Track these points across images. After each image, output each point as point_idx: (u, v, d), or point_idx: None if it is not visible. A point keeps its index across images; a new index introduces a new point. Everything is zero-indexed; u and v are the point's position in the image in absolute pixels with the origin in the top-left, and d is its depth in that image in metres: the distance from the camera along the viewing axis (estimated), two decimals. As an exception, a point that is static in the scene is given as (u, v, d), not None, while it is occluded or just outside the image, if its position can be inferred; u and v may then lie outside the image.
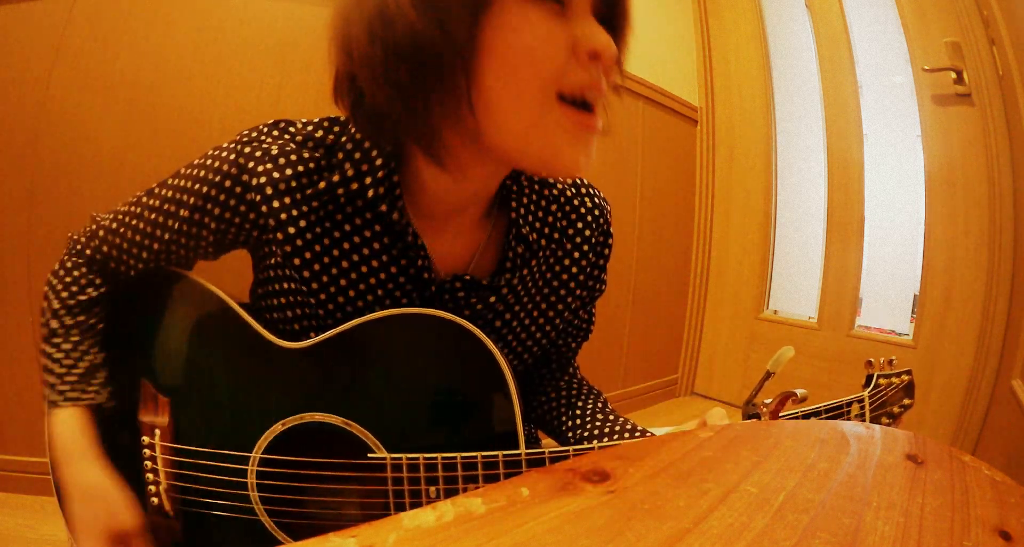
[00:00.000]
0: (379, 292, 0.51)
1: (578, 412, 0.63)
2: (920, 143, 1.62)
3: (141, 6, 1.12)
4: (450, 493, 0.45)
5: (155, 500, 0.51)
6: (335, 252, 0.50)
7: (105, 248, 0.55)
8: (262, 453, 0.50)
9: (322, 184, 0.48)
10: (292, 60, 1.21)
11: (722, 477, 0.34)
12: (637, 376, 2.05)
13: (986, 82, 1.43)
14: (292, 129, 0.50)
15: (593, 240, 0.60)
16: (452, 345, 0.48)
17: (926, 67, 1.54)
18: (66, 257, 0.57)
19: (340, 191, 0.48)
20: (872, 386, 0.59)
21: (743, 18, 2.12)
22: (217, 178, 0.49)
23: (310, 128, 0.50)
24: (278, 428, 0.49)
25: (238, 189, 0.49)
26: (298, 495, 0.49)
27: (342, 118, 0.51)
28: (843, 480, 0.35)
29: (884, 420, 0.59)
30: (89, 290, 0.56)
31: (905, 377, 0.62)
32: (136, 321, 0.57)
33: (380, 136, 0.47)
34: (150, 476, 0.52)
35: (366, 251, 0.50)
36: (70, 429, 0.51)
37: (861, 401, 0.57)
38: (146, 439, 0.52)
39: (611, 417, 0.61)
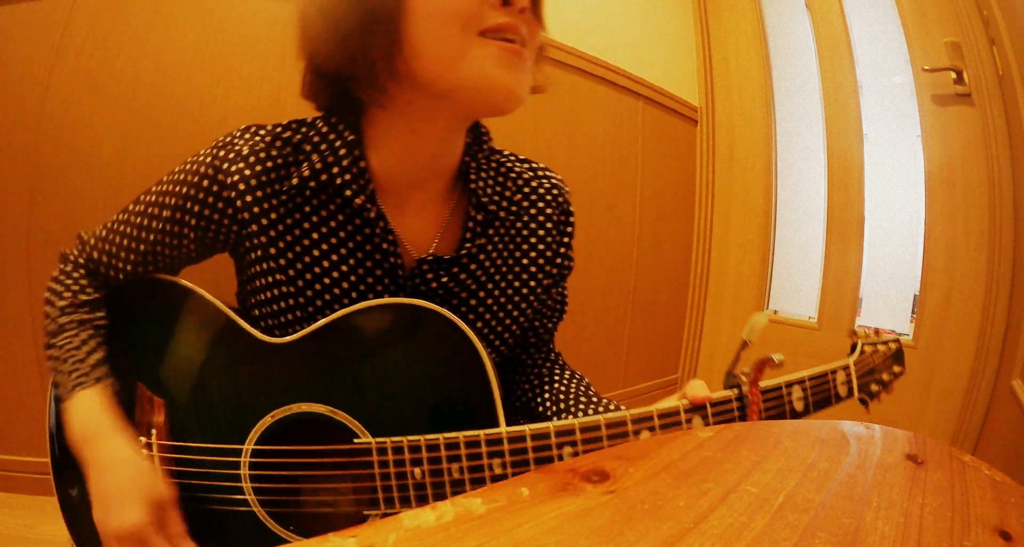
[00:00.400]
0: (352, 278, 0.54)
1: (560, 396, 0.64)
2: (920, 143, 1.62)
3: (141, 6, 1.12)
4: (434, 473, 0.47)
5: None
6: (306, 242, 0.54)
7: (96, 255, 0.59)
8: (254, 445, 0.51)
9: (294, 180, 0.52)
10: (292, 60, 1.21)
11: (722, 477, 0.34)
12: (637, 376, 2.05)
13: (986, 82, 1.43)
14: (262, 131, 0.55)
15: (555, 218, 0.64)
16: (427, 331, 0.50)
17: (926, 67, 1.54)
18: (61, 265, 0.61)
19: (311, 184, 0.52)
20: (857, 353, 0.59)
21: (743, 18, 2.12)
22: (195, 179, 0.54)
23: (278, 129, 0.55)
24: (268, 420, 0.51)
25: (215, 188, 0.53)
26: (288, 483, 0.50)
27: (308, 120, 0.56)
28: (843, 480, 0.35)
29: (874, 387, 0.59)
30: (89, 290, 0.58)
31: (892, 345, 0.62)
32: (129, 326, 0.59)
33: (338, 105, 0.53)
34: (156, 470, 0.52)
35: (335, 240, 0.54)
36: (93, 408, 0.52)
37: (847, 368, 0.57)
38: (143, 439, 0.53)
39: (595, 399, 0.62)
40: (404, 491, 0.47)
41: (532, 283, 0.63)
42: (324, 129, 0.53)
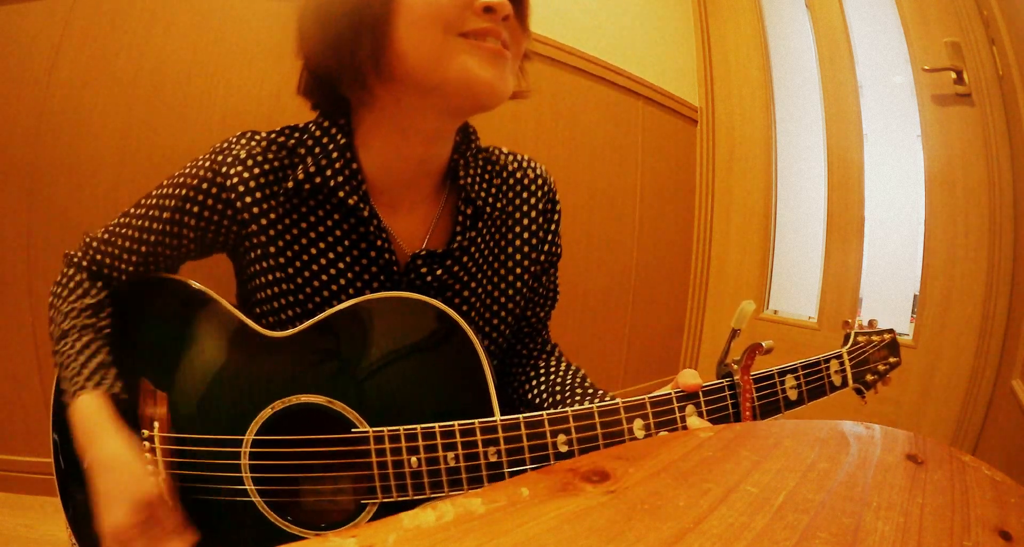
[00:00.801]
0: (348, 275, 0.57)
1: (557, 388, 0.65)
2: (920, 143, 1.62)
3: (141, 6, 1.12)
4: (431, 462, 0.47)
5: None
6: (303, 241, 0.56)
7: (99, 257, 0.61)
8: (254, 436, 0.52)
9: (289, 183, 0.55)
10: (292, 60, 1.21)
11: (722, 477, 0.34)
12: (637, 376, 2.05)
13: (986, 82, 1.43)
14: (258, 137, 0.57)
15: (540, 207, 0.66)
16: (421, 322, 0.52)
17: (926, 67, 1.54)
18: (65, 269, 0.62)
19: (307, 186, 0.54)
20: (851, 343, 0.60)
21: (743, 18, 2.12)
22: (195, 182, 0.56)
23: (273, 135, 0.58)
24: (268, 412, 0.52)
25: (214, 189, 0.56)
26: (289, 473, 0.51)
27: (301, 125, 0.59)
28: (843, 480, 0.35)
29: (869, 377, 0.59)
30: (92, 292, 0.60)
31: (887, 335, 0.62)
32: (132, 321, 0.61)
33: (328, 104, 0.56)
34: (150, 467, 0.53)
35: (331, 239, 0.56)
36: (90, 409, 0.53)
37: (839, 357, 0.57)
38: (146, 432, 0.55)
39: (591, 391, 0.63)
40: (401, 479, 0.48)
41: (519, 271, 0.65)
42: (317, 133, 0.56)
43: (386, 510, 0.49)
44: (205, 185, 0.56)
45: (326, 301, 0.56)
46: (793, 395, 0.53)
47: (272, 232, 0.56)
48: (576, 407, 0.48)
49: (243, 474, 0.52)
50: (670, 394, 0.50)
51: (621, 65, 1.83)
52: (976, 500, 0.34)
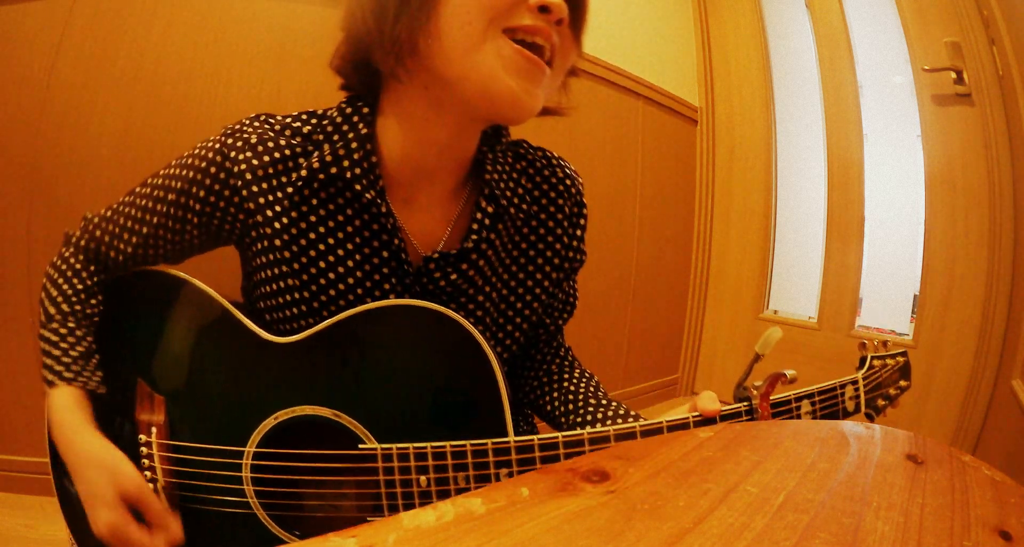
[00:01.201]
0: (358, 273, 0.53)
1: (570, 397, 0.62)
2: (920, 143, 1.62)
3: (141, 6, 1.12)
4: (440, 482, 0.46)
5: None
6: (312, 235, 0.53)
7: (98, 233, 0.58)
8: (256, 447, 0.50)
9: (303, 171, 0.51)
10: (292, 60, 1.21)
11: (722, 477, 0.34)
12: (637, 376, 2.05)
13: (986, 82, 1.43)
14: (272, 120, 0.54)
15: (567, 210, 0.62)
16: (438, 335, 0.49)
17: (926, 67, 1.54)
18: (63, 249, 0.60)
19: (320, 176, 0.51)
20: (866, 367, 0.59)
21: (743, 18, 2.12)
22: (203, 165, 0.53)
23: (288, 119, 0.54)
24: (271, 422, 0.50)
25: (222, 174, 0.52)
26: (291, 488, 0.50)
27: (319, 111, 0.56)
28: (843, 480, 0.35)
29: (880, 402, 0.59)
30: (84, 276, 0.58)
31: (900, 359, 0.62)
32: (130, 321, 0.59)
33: (359, 79, 0.53)
34: (148, 474, 0.52)
35: (341, 234, 0.53)
36: (65, 405, 0.52)
37: (855, 383, 0.57)
38: (143, 437, 0.53)
39: (604, 401, 0.61)
40: (409, 499, 0.46)
41: (540, 277, 0.61)
42: (339, 120, 0.53)
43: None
44: (212, 169, 0.52)
45: (332, 300, 0.53)
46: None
47: (278, 224, 0.52)
48: (591, 429, 0.46)
49: (245, 486, 0.50)
50: (687, 418, 0.49)
51: (621, 65, 1.83)
52: (976, 500, 0.34)
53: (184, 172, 0.54)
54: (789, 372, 0.52)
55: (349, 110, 0.53)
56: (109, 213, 0.58)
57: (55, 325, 0.55)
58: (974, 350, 1.49)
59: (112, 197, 0.61)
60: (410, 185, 0.54)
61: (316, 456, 0.49)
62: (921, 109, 1.61)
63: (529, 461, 0.45)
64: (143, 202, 0.56)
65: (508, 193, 0.57)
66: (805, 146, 2.00)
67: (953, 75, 1.49)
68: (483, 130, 0.56)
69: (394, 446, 0.47)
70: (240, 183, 0.52)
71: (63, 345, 0.54)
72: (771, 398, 0.51)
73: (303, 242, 0.53)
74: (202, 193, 0.53)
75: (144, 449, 0.52)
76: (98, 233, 0.58)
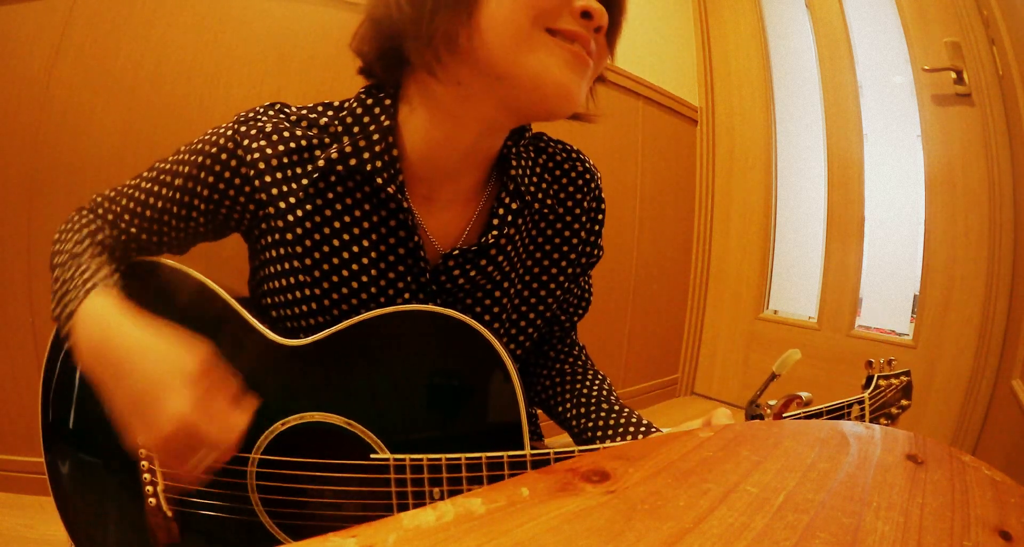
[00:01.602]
0: (373, 272, 0.52)
1: (583, 399, 0.62)
2: (920, 143, 1.62)
3: (141, 6, 1.12)
4: (454, 494, 0.45)
5: (152, 501, 0.51)
6: (326, 230, 0.51)
7: (100, 212, 0.57)
8: (262, 453, 0.49)
9: (319, 162, 0.49)
10: (292, 60, 1.21)
11: (722, 477, 0.34)
12: (637, 376, 2.05)
13: (986, 82, 1.43)
14: (287, 110, 0.53)
15: (586, 204, 0.61)
16: (455, 342, 0.48)
17: (926, 67, 1.54)
18: (73, 214, 0.58)
19: (339, 167, 0.49)
20: (872, 387, 0.59)
21: (743, 18, 2.12)
22: (214, 150, 0.51)
23: (304, 110, 0.53)
24: (278, 427, 0.49)
25: (233, 162, 0.50)
26: (299, 496, 0.49)
27: (336, 103, 0.54)
28: (843, 480, 0.35)
29: (883, 421, 0.59)
30: (100, 235, 0.55)
31: (904, 378, 0.62)
32: None
33: (383, 65, 0.50)
34: (147, 477, 0.51)
35: (357, 230, 0.51)
36: (106, 306, 0.46)
37: (861, 402, 0.57)
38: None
39: (616, 407, 0.60)
40: None
41: (555, 272, 0.60)
42: (359, 111, 0.50)
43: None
44: (224, 155, 0.50)
45: (344, 298, 0.52)
46: None
47: (292, 217, 0.50)
48: (607, 445, 0.45)
49: (251, 494, 0.49)
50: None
51: (621, 65, 1.83)
52: (976, 500, 0.34)
53: (193, 158, 0.52)
54: (805, 394, 0.51)
55: (370, 101, 0.51)
56: (113, 193, 0.57)
57: (72, 262, 0.50)
58: (974, 350, 1.49)
59: (112, 197, 0.60)
60: (432, 181, 0.52)
61: (325, 465, 0.47)
62: (921, 109, 1.61)
63: None
64: (148, 186, 0.54)
65: (532, 188, 0.56)
66: (805, 146, 2.00)
67: (953, 75, 1.49)
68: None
69: (407, 457, 0.45)
70: (252, 172, 0.50)
71: (83, 269, 0.49)
72: (782, 417, 0.51)
73: (317, 236, 0.51)
74: (211, 179, 0.51)
75: (143, 451, 0.51)
76: (100, 211, 0.57)
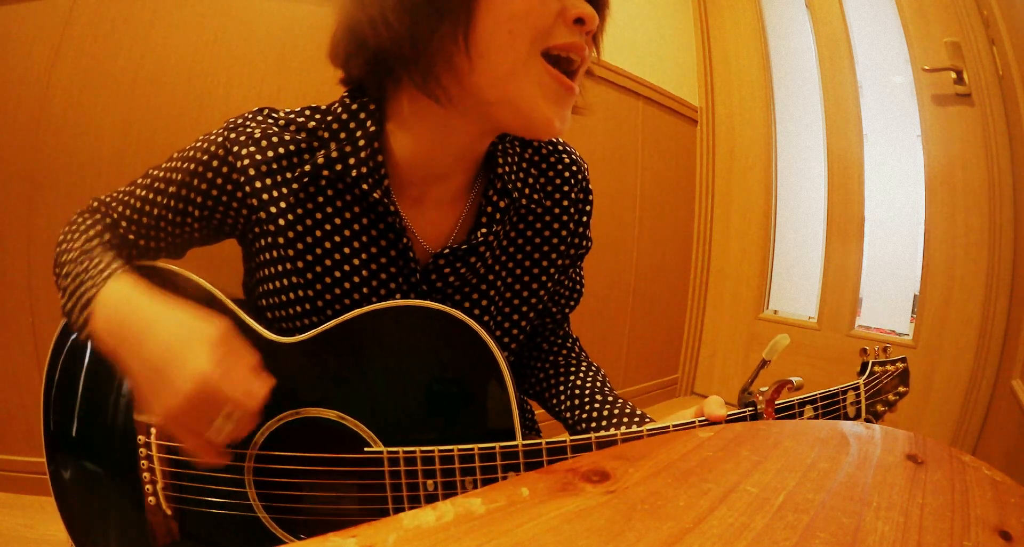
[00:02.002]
0: (364, 272, 0.53)
1: (576, 391, 0.62)
2: (920, 143, 1.62)
3: (141, 6, 1.12)
4: (447, 486, 0.46)
5: (152, 499, 0.51)
6: (318, 233, 0.52)
7: (101, 213, 0.58)
8: (258, 449, 0.50)
9: (307, 166, 0.50)
10: (292, 60, 1.21)
11: (722, 477, 0.34)
12: (637, 376, 2.06)
13: (986, 82, 1.43)
14: (275, 115, 0.53)
15: (573, 196, 0.62)
16: (446, 336, 0.49)
17: (926, 67, 1.54)
18: (73, 217, 0.59)
19: (325, 172, 0.50)
20: (867, 373, 0.59)
21: (743, 18, 2.12)
22: (205, 158, 0.52)
23: (292, 114, 0.53)
24: (273, 424, 0.49)
25: (224, 169, 0.51)
26: (295, 491, 0.49)
27: (323, 106, 0.54)
28: (843, 480, 0.35)
29: (880, 407, 0.59)
30: (107, 235, 0.55)
31: (900, 364, 0.62)
32: None
33: (371, 84, 0.51)
34: (146, 475, 0.51)
35: (348, 233, 0.52)
36: (126, 287, 0.47)
37: (856, 389, 0.57)
38: (142, 438, 0.52)
39: (610, 398, 0.61)
40: (415, 503, 0.46)
41: (546, 264, 0.61)
42: (344, 116, 0.51)
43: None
44: (215, 163, 0.51)
45: (337, 299, 0.53)
46: None
47: (283, 221, 0.51)
48: (599, 434, 0.46)
49: (247, 489, 0.49)
50: (694, 422, 0.49)
51: (621, 65, 1.83)
52: (976, 500, 0.34)
53: (185, 165, 0.53)
54: (796, 379, 0.52)
55: (355, 106, 0.51)
56: (108, 199, 0.58)
57: (83, 258, 0.51)
58: (974, 350, 1.49)
59: (112, 197, 0.60)
60: (422, 184, 0.53)
61: (320, 459, 0.48)
62: (921, 109, 1.61)
63: (537, 465, 0.45)
64: (143, 193, 0.55)
65: (519, 184, 0.57)
66: (805, 146, 2.00)
67: (953, 75, 1.49)
68: None
69: (400, 449, 0.46)
70: (243, 178, 0.51)
71: (95, 262, 0.50)
72: (775, 403, 0.51)
73: (309, 239, 0.52)
74: (203, 186, 0.52)
75: (143, 450, 0.52)
76: (98, 216, 0.58)
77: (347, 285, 0.53)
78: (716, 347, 2.23)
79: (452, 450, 0.45)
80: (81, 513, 0.54)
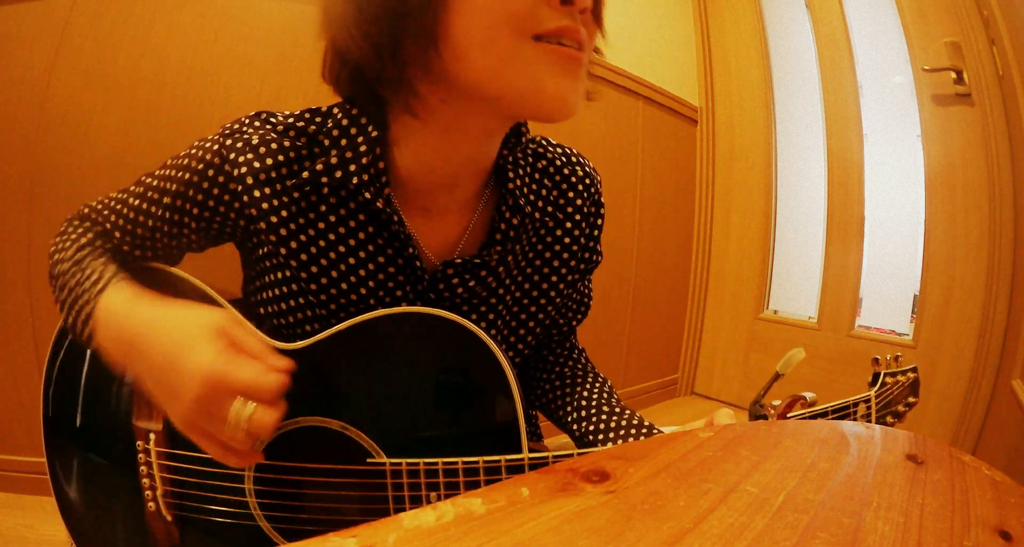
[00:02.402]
0: (370, 284, 0.51)
1: (583, 403, 0.61)
2: (920, 143, 1.62)
3: (141, 6, 1.12)
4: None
5: (151, 505, 0.51)
6: (321, 243, 0.49)
7: (91, 221, 0.56)
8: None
9: (305, 174, 0.48)
10: (292, 60, 1.21)
11: (722, 477, 0.34)
12: (637, 376, 2.05)
13: (986, 82, 1.43)
14: (273, 120, 0.51)
15: (585, 209, 0.60)
16: (452, 345, 0.47)
17: (926, 67, 1.54)
18: (63, 225, 0.58)
19: (324, 180, 0.48)
20: (879, 384, 0.59)
21: (743, 18, 2.12)
22: (200, 166, 0.49)
23: (291, 119, 0.51)
24: (274, 432, 0.49)
25: (221, 178, 0.49)
26: (297, 501, 0.48)
27: (323, 109, 0.51)
28: (843, 480, 0.35)
29: (889, 419, 0.59)
30: (99, 242, 0.54)
31: (911, 375, 0.61)
32: None
33: (365, 99, 0.48)
34: (146, 481, 0.51)
35: (352, 242, 0.50)
36: (120, 297, 0.46)
37: (868, 401, 0.57)
38: (140, 444, 0.51)
39: (617, 409, 0.59)
40: None
41: (555, 279, 0.59)
42: (345, 122, 0.48)
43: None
44: (211, 172, 0.49)
45: (343, 308, 0.51)
46: None
47: (284, 231, 0.49)
48: (606, 448, 0.46)
49: (248, 498, 0.48)
50: None
51: (621, 65, 1.83)
52: (976, 500, 0.34)
53: (180, 174, 0.50)
54: (809, 395, 0.51)
55: (355, 111, 0.49)
56: (100, 207, 0.56)
57: (75, 269, 0.50)
58: (974, 350, 1.49)
59: (112, 198, 0.59)
60: (429, 193, 0.51)
61: (322, 470, 0.47)
62: (921, 109, 1.61)
63: None
64: (136, 203, 0.53)
65: (531, 196, 0.55)
66: (805, 146, 2.00)
67: (953, 75, 1.49)
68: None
69: (404, 461, 0.45)
70: (241, 187, 0.48)
71: (89, 273, 0.49)
72: (787, 417, 0.51)
73: (313, 250, 0.50)
74: (200, 197, 0.50)
75: (142, 456, 0.51)
76: (88, 224, 0.56)
77: (353, 296, 0.51)
78: (716, 347, 2.23)
79: (456, 462, 0.44)
80: (83, 519, 0.54)
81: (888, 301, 1.78)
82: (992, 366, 1.44)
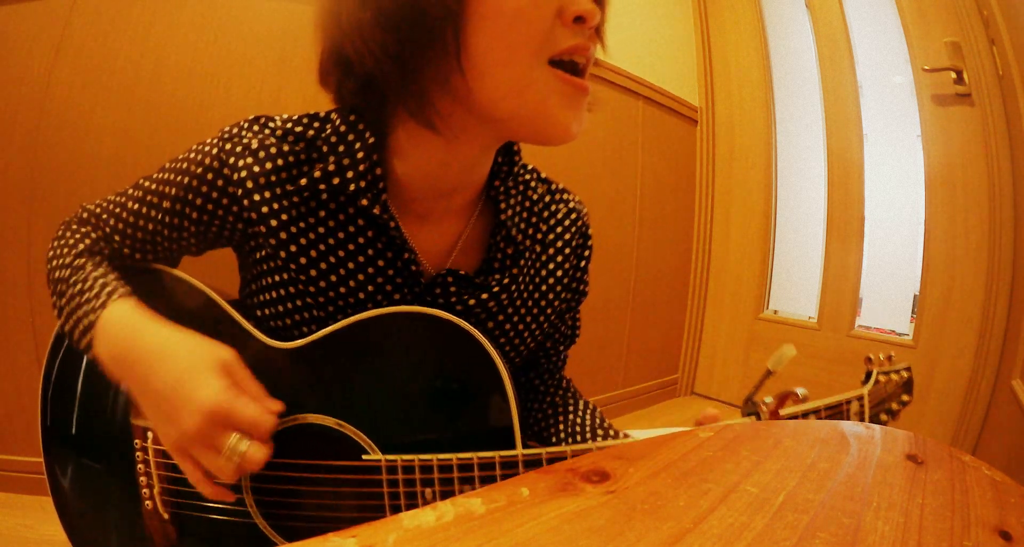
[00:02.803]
0: (369, 288, 0.52)
1: (577, 429, 0.63)
2: (920, 143, 1.62)
3: (141, 6, 1.12)
4: (446, 494, 0.45)
5: (149, 504, 0.51)
6: (321, 247, 0.50)
7: (90, 225, 0.56)
8: None
9: (303, 180, 0.49)
10: (292, 60, 1.21)
11: (722, 477, 0.34)
12: (637, 376, 2.05)
13: (986, 82, 1.43)
14: (272, 124, 0.51)
15: (573, 243, 0.62)
16: (448, 344, 0.48)
17: (926, 67, 1.54)
18: (61, 228, 0.58)
19: (322, 186, 0.48)
20: (872, 382, 0.59)
21: (743, 18, 2.12)
22: (199, 170, 0.50)
23: (290, 124, 0.51)
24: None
25: (220, 182, 0.49)
26: (293, 498, 0.49)
27: (322, 114, 0.52)
28: (843, 480, 0.35)
29: (883, 417, 0.59)
30: (97, 247, 0.55)
31: (904, 373, 0.62)
32: None
33: (368, 108, 0.48)
34: (143, 479, 0.51)
35: (351, 247, 0.51)
36: (129, 312, 0.47)
37: (860, 399, 0.57)
38: (138, 442, 0.52)
39: (611, 433, 0.61)
40: None
41: (544, 304, 0.61)
42: (343, 128, 0.49)
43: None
44: (210, 175, 0.49)
45: (340, 310, 0.51)
46: None
47: (283, 235, 0.49)
48: (601, 443, 0.45)
49: (244, 495, 0.49)
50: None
51: (621, 65, 1.83)
52: (976, 500, 0.34)
53: (179, 178, 0.51)
54: (800, 390, 0.51)
55: (353, 117, 0.49)
56: (98, 210, 0.56)
57: (76, 277, 0.51)
58: (974, 350, 1.49)
59: (111, 198, 0.59)
60: (425, 200, 0.52)
61: (318, 466, 0.48)
62: (921, 109, 1.61)
63: None
64: (135, 206, 0.53)
65: (523, 225, 0.57)
66: (805, 146, 2.00)
67: (953, 75, 1.49)
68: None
69: (399, 458, 0.45)
70: (240, 192, 0.49)
71: (90, 284, 0.50)
72: (779, 414, 0.51)
73: (313, 254, 0.50)
74: (199, 200, 0.50)
75: (140, 454, 0.51)
76: (87, 228, 0.57)
77: (351, 299, 0.52)
78: (716, 347, 2.23)
79: (451, 459, 0.45)
80: (80, 517, 0.54)
81: (888, 301, 1.78)
82: (992, 366, 1.44)
